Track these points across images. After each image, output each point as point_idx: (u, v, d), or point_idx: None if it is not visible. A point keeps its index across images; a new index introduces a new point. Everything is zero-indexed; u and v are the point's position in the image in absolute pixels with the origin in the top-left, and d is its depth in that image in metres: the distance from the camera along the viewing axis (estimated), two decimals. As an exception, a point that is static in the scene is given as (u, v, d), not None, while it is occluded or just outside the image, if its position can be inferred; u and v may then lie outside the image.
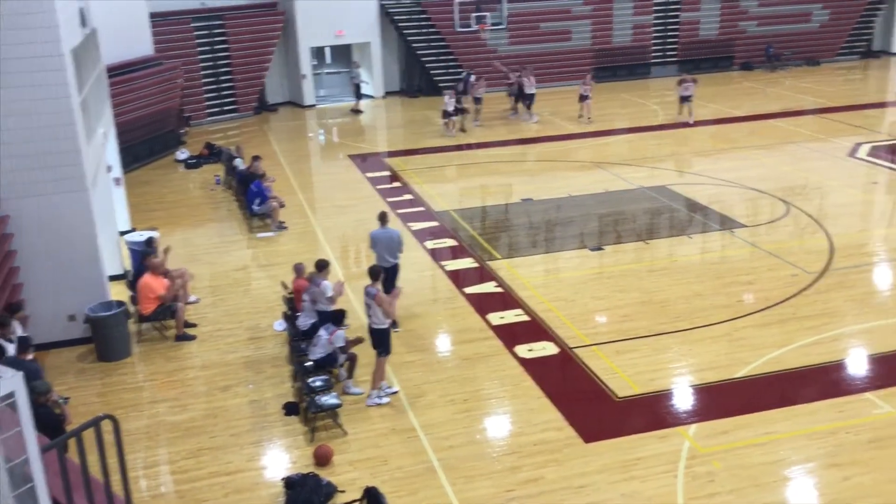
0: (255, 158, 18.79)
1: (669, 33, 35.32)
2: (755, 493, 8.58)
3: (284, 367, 11.68)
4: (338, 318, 10.90)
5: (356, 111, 29.97)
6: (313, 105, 31.76)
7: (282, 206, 18.04)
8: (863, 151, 21.87)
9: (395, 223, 17.64)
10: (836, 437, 9.45)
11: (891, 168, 20.41)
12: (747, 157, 21.73)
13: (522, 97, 26.98)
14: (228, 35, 29.96)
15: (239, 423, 10.36)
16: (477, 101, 26.64)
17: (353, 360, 11.02)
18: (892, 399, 10.14)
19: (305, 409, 10.22)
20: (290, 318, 12.18)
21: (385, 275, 12.11)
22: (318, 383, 10.31)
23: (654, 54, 35.29)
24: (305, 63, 31.39)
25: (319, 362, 10.73)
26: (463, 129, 25.64)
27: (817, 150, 22.09)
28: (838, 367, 11.11)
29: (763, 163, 21.02)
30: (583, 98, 26.56)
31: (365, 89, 32.02)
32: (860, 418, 9.81)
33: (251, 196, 17.55)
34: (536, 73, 27.94)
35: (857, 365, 11.16)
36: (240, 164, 19.95)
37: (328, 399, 10.04)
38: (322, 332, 10.83)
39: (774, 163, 21.05)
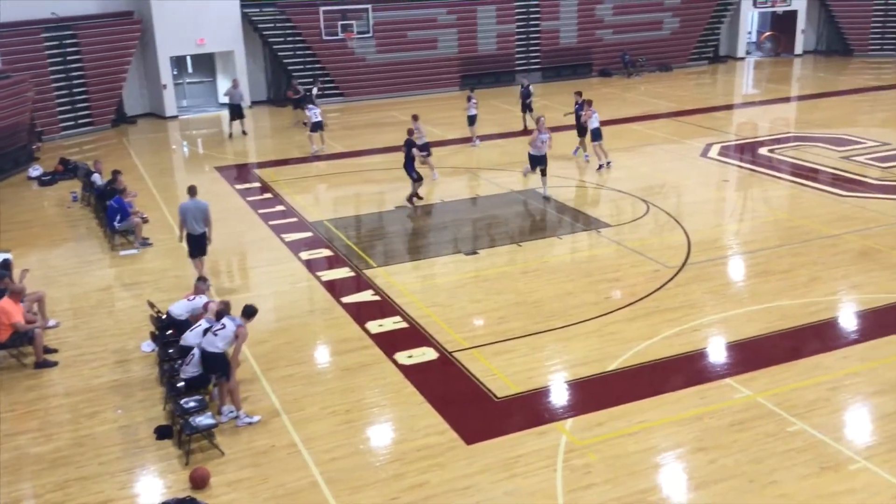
0: (115, 173, 17.99)
1: (532, 41, 36.37)
2: (630, 481, 8.93)
3: (155, 389, 11.21)
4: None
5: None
6: (175, 116, 30.74)
7: (145, 221, 17.35)
8: (714, 151, 23.22)
9: (267, 234, 17.36)
10: (701, 423, 9.97)
11: (740, 166, 21.77)
12: (609, 159, 22.61)
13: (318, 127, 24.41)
14: (82, 45, 28.57)
15: (109, 450, 9.86)
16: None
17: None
18: (749, 384, 10.80)
19: (179, 432, 9.85)
20: (159, 337, 11.72)
21: (195, 243, 14.45)
22: (191, 404, 9.95)
23: (518, 62, 36.24)
24: (166, 73, 30.36)
25: (191, 382, 10.33)
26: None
27: (672, 152, 23.29)
28: (700, 355, 11.73)
29: (624, 165, 21.94)
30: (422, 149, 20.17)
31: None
32: (722, 403, 10.39)
33: (111, 212, 16.78)
34: (407, 81, 27.89)
35: (717, 353, 11.82)
36: (98, 179, 19.03)
37: (203, 419, 9.70)
38: (196, 351, 10.43)
39: (634, 164, 22.02)
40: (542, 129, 18.83)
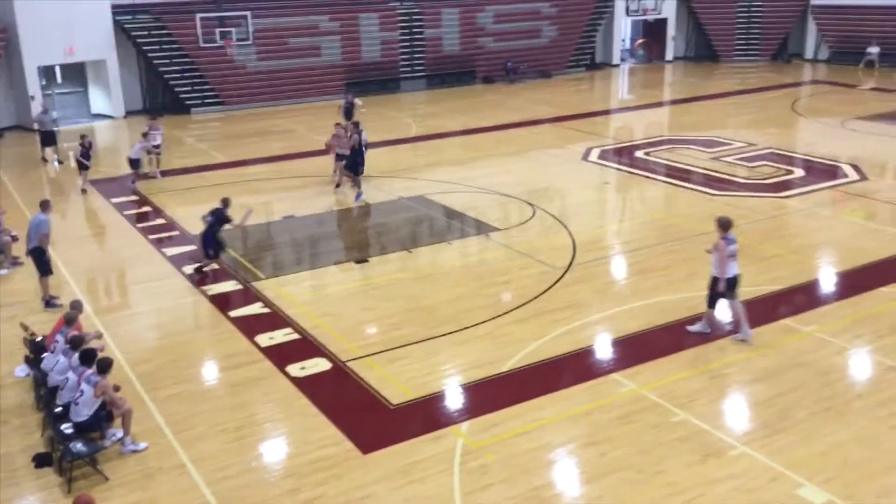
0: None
1: (416, 49, 36.58)
2: (525, 478, 9.08)
3: (32, 415, 10.60)
4: (90, 358, 9.99)
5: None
6: (46, 128, 29.21)
7: (14, 240, 16.39)
8: (594, 155, 23.99)
9: (147, 249, 16.73)
10: (591, 418, 10.25)
11: (618, 169, 22.56)
12: (496, 164, 23.03)
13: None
14: (-63, 54, 26.81)
15: (-20, 484, 9.26)
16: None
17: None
18: (634, 377, 11.19)
19: (59, 459, 9.35)
20: (34, 361, 11.08)
21: (32, 259, 14.00)
22: (71, 429, 9.46)
23: (402, 69, 36.37)
24: (33, 83, 28.85)
25: (85, 425, 9.61)
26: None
27: (556, 156, 23.91)
28: (588, 352, 12.07)
29: (510, 169, 22.37)
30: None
31: (102, 109, 29.96)
32: (609, 398, 10.72)
33: (-23, 231, 15.78)
34: (290, 89, 27.15)
35: (603, 349, 12.19)
36: (-39, 196, 17.86)
37: (84, 445, 9.24)
38: (84, 387, 9.63)
39: (520, 169, 22.49)
40: (729, 237, 12.04)
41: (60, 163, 24.51)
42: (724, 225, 12.05)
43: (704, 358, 11.68)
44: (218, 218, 15.27)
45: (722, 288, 11.94)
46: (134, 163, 21.33)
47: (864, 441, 9.59)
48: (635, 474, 9.12)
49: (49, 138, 24.63)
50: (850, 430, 9.83)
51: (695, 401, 10.55)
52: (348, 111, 25.07)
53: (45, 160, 24.76)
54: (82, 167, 21.29)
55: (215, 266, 15.42)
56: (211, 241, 15.24)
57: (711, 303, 12.22)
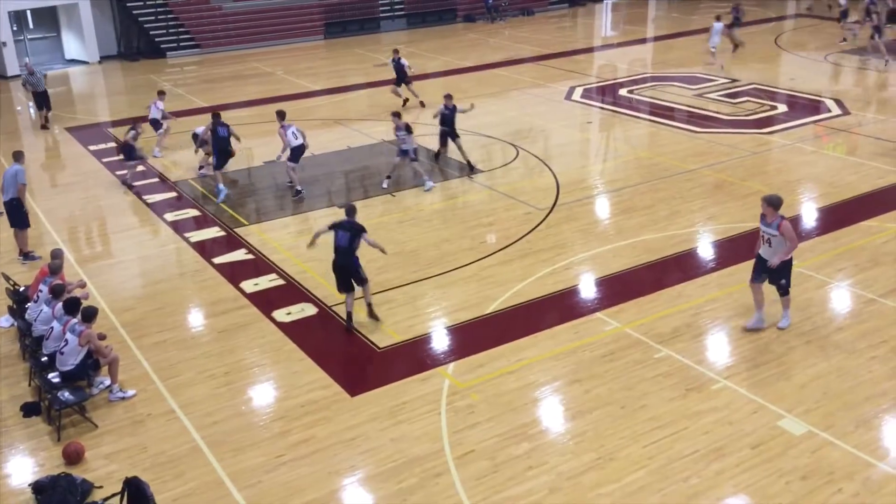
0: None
1: (395, -13, 35.91)
2: (511, 416, 9.22)
3: (18, 365, 10.61)
4: (74, 307, 9.95)
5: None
6: (17, 75, 28.60)
7: (-7, 190, 16.18)
8: (577, 94, 23.79)
9: (127, 197, 16.55)
10: (575, 356, 10.38)
11: (602, 108, 22.41)
12: (478, 105, 22.69)
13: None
14: None
15: (-30, 434, 9.30)
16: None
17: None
18: (617, 316, 11.30)
19: (48, 407, 9.39)
20: (17, 311, 11.04)
21: (7, 212, 13.73)
22: (58, 378, 9.47)
23: (382, 9, 35.70)
24: (4, 29, 28.14)
25: (71, 374, 9.60)
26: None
27: (538, 96, 23.69)
28: (572, 292, 12.15)
29: (492, 110, 22.16)
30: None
31: (77, 54, 29.26)
32: (593, 336, 10.84)
33: (-47, 182, 15.51)
34: (267, 30, 26.66)
35: (587, 289, 12.28)
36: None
37: (72, 393, 9.27)
38: (69, 336, 9.60)
39: (502, 109, 22.29)
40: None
41: (47, 127, 22.47)
42: (778, 204, 10.27)
43: (687, 295, 11.79)
44: (353, 232, 11.19)
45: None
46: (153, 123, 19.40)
47: (843, 373, 9.78)
48: (619, 410, 9.27)
49: (41, 99, 22.35)
50: (829, 362, 10.00)
51: (677, 337, 10.68)
52: (400, 72, 22.41)
53: (44, 126, 22.57)
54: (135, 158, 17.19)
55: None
56: (357, 268, 11.26)
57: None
